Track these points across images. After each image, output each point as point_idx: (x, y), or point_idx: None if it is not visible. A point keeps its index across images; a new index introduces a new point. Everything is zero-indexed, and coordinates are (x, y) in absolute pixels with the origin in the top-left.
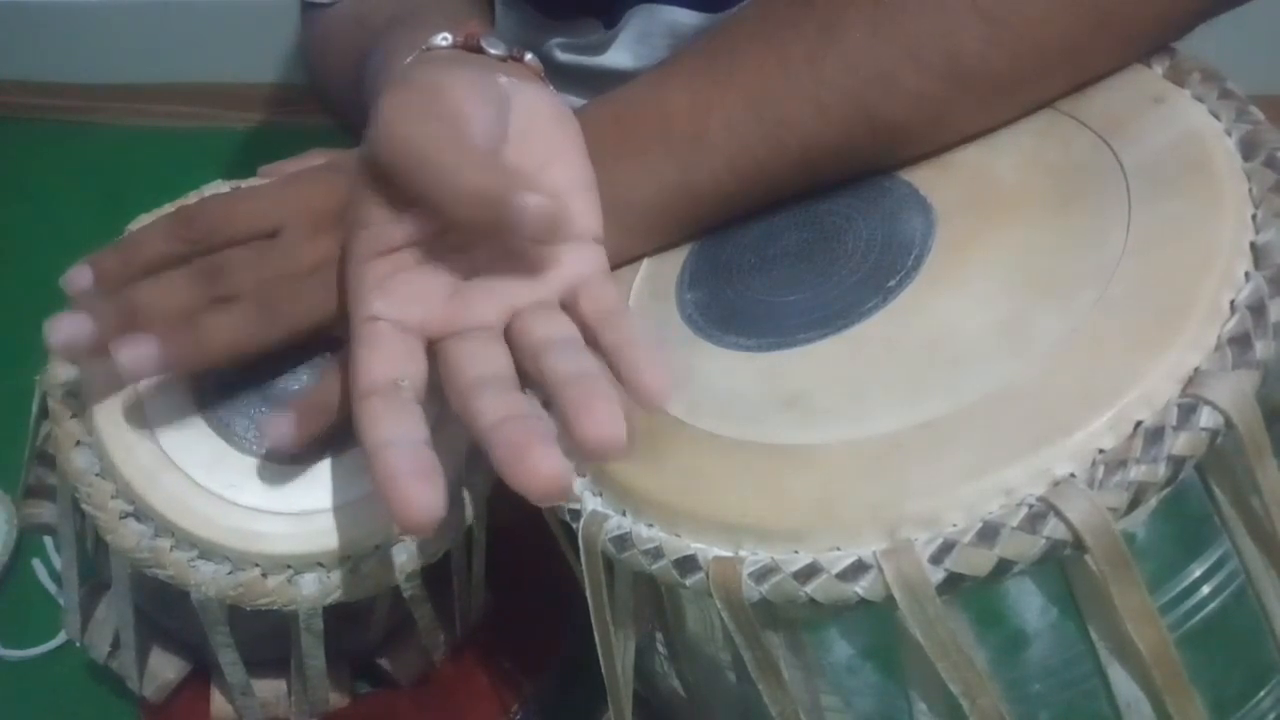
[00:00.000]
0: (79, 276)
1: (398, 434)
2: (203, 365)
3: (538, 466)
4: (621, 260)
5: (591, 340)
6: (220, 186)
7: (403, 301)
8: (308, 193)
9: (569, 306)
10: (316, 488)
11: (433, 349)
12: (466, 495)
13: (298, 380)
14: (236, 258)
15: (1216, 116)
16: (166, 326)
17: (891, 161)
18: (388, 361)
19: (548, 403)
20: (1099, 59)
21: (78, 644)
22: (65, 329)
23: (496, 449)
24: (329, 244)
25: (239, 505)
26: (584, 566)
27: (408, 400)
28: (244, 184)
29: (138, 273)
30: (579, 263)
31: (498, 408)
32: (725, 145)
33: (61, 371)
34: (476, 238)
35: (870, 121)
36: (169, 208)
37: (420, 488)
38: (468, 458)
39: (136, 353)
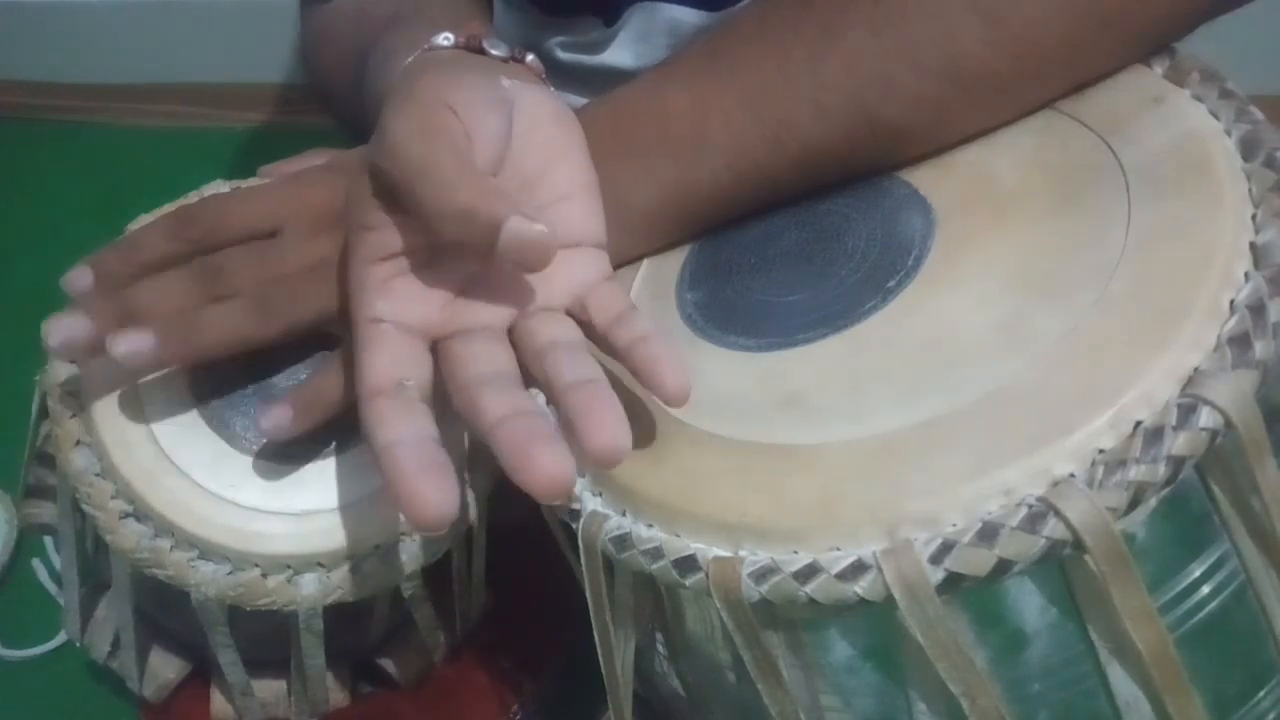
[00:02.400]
0: (79, 277)
1: (405, 433)
2: (199, 359)
3: (543, 465)
4: (622, 261)
5: (604, 345)
6: (220, 186)
7: (405, 303)
8: (308, 193)
9: (576, 314)
10: (316, 488)
11: (435, 349)
12: (468, 495)
13: (297, 379)
14: (235, 257)
15: (1216, 116)
16: (163, 321)
17: (891, 162)
18: (392, 362)
19: (549, 402)
20: (1099, 60)
21: (78, 644)
22: (62, 329)
23: (501, 447)
24: (328, 244)
25: (239, 505)
26: (584, 566)
27: (414, 400)
28: (244, 184)
29: (138, 273)
30: (581, 269)
31: (501, 405)
32: (725, 146)
33: (61, 371)
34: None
35: (870, 122)
36: (169, 208)
37: (431, 485)
38: (468, 457)
39: (132, 345)
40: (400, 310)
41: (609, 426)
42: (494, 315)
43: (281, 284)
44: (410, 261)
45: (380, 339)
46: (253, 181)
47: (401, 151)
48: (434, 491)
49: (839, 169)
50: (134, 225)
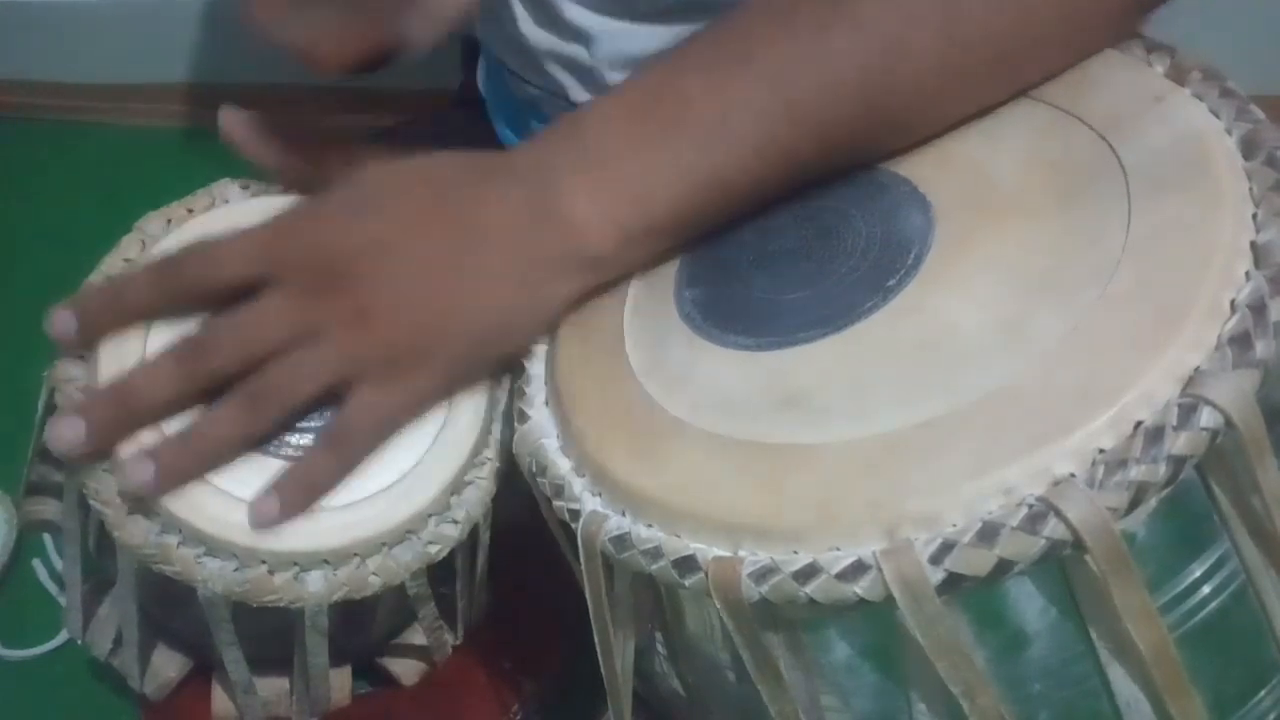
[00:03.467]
0: (63, 320)
1: None
2: (206, 472)
3: None
4: (650, 264)
5: None
6: (229, 185)
7: None
8: (293, 243)
9: None
10: None
11: None
12: (471, 494)
13: None
14: (217, 337)
15: (1217, 115)
16: (163, 450)
17: (904, 139)
18: None
19: None
20: (1098, 32)
21: (79, 641)
22: (63, 436)
23: None
24: (311, 304)
25: (246, 502)
26: (583, 567)
27: None
28: (252, 184)
29: (120, 321)
30: None
31: None
32: (743, 125)
33: (71, 367)
34: None
35: (882, 93)
36: (175, 206)
37: None
38: (471, 456)
39: (140, 480)
40: None
41: None
42: None
43: (267, 375)
44: None
45: None
46: (257, 184)
47: None
48: None
49: (854, 146)
50: (143, 222)
